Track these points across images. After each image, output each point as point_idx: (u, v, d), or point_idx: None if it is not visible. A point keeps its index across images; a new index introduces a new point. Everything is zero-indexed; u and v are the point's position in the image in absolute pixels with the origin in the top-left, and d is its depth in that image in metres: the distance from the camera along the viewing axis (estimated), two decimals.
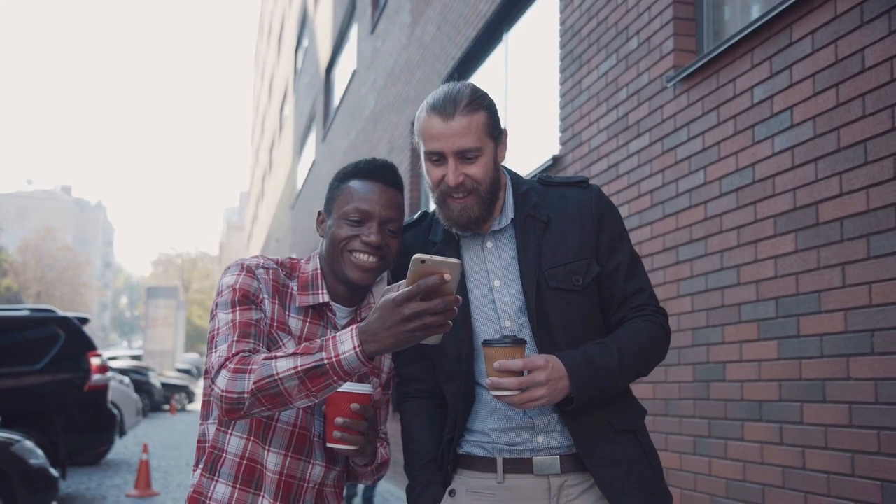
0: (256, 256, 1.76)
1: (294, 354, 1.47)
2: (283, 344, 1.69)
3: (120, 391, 11.74)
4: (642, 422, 1.82)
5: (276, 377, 1.46)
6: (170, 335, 35.17)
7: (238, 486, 1.68)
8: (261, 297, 1.68)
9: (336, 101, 16.01)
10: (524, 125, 6.50)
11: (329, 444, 1.63)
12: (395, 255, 1.75)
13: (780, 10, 3.23)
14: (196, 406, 24.97)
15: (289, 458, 1.71)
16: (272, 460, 1.70)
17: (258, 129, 45.14)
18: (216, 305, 1.67)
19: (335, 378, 1.44)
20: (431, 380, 1.84)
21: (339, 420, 1.60)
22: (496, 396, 1.59)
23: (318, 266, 1.77)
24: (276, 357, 1.48)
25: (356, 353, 1.41)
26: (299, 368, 1.45)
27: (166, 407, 21.84)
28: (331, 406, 1.62)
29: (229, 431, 1.71)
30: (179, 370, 32.43)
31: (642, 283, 1.80)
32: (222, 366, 1.53)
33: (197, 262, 78.60)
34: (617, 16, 4.61)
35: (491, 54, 7.31)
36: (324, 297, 1.73)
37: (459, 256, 1.78)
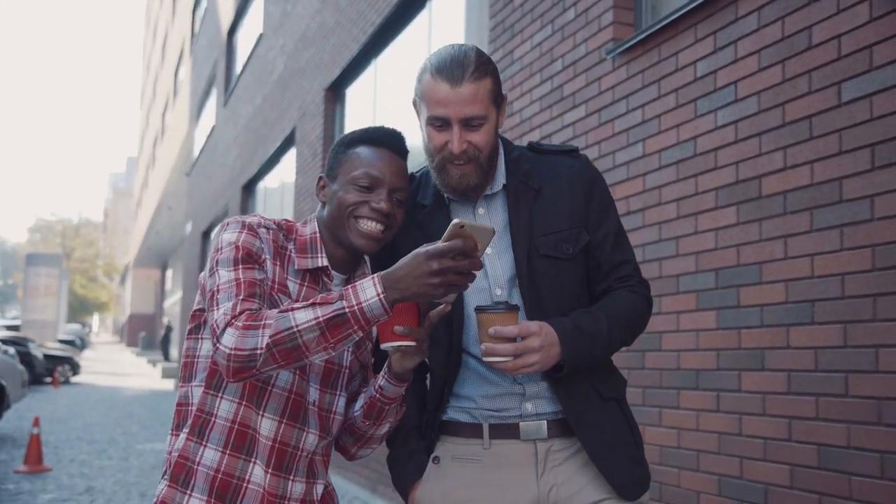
0: (255, 215, 1.69)
1: (313, 305, 1.43)
2: (282, 304, 1.62)
3: (4, 362, 11.13)
4: (624, 391, 1.84)
5: (295, 329, 1.41)
6: (52, 305, 33.57)
7: (229, 451, 1.60)
8: (263, 256, 1.62)
9: (239, 65, 15.52)
10: None
11: (386, 345, 1.56)
12: (400, 224, 1.71)
13: None
14: (81, 378, 24.04)
15: (283, 425, 1.63)
16: (266, 426, 1.62)
17: (149, 91, 43.45)
18: (216, 262, 1.59)
19: (356, 327, 1.42)
20: None
21: (399, 328, 1.56)
22: (489, 362, 1.58)
23: (317, 230, 1.72)
24: (293, 309, 1.44)
25: (380, 299, 1.41)
26: (321, 318, 1.41)
27: (48, 380, 20.95)
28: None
29: (219, 395, 1.62)
30: (62, 341, 31.09)
31: (628, 255, 1.82)
32: (228, 324, 1.46)
33: (79, 230, 75.41)
34: None
35: (414, 20, 7.20)
36: (323, 261, 1.69)
37: (449, 220, 1.74)
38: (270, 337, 1.41)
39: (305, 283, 1.69)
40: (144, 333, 46.94)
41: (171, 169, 27.14)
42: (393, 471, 1.81)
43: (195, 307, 1.70)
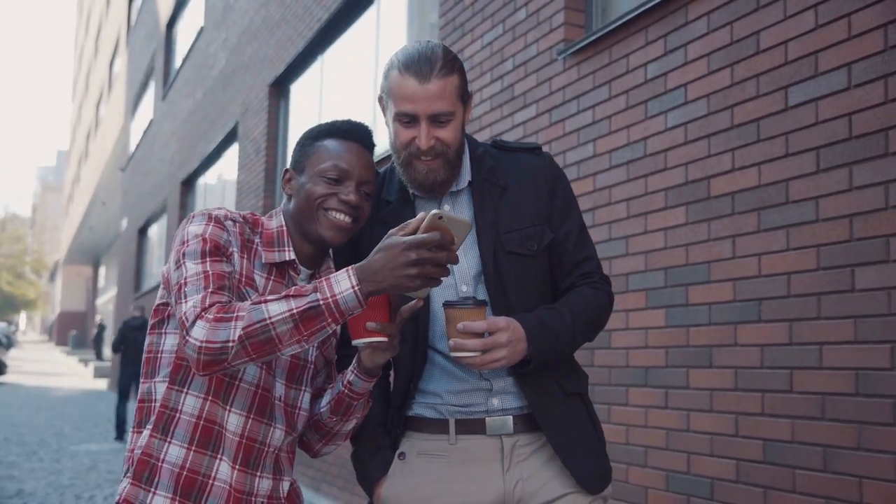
0: (220, 208, 1.67)
1: (286, 297, 1.41)
2: (250, 298, 1.59)
3: None
4: (587, 386, 1.86)
5: (268, 321, 1.40)
6: None
7: (194, 448, 1.56)
8: (230, 249, 1.60)
9: (179, 58, 15.23)
10: None
11: (358, 341, 1.55)
12: (366, 218, 1.70)
13: None
14: (8, 378, 23.30)
15: (251, 420, 1.61)
16: (233, 421, 1.59)
17: (82, 83, 42.32)
18: (183, 255, 1.55)
19: (330, 320, 1.41)
20: None
21: (371, 324, 1.55)
22: (457, 357, 1.58)
23: (284, 223, 1.70)
24: (265, 301, 1.42)
25: (354, 291, 1.40)
26: (294, 311, 1.40)
27: None
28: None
29: (184, 390, 1.59)
30: None
31: (590, 252, 1.84)
32: (198, 316, 1.44)
33: (6, 225, 73.06)
34: None
35: (361, 17, 7.16)
36: (290, 255, 1.67)
37: (414, 216, 1.73)
38: (243, 329, 1.40)
39: (272, 278, 1.67)
40: (75, 332, 45.70)
41: (106, 163, 26.47)
42: (358, 467, 1.79)
43: (158, 301, 1.67)
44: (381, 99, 1.77)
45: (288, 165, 1.75)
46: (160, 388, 1.60)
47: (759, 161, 2.93)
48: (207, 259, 1.54)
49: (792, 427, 2.74)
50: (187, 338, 1.43)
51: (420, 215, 1.44)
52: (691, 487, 3.11)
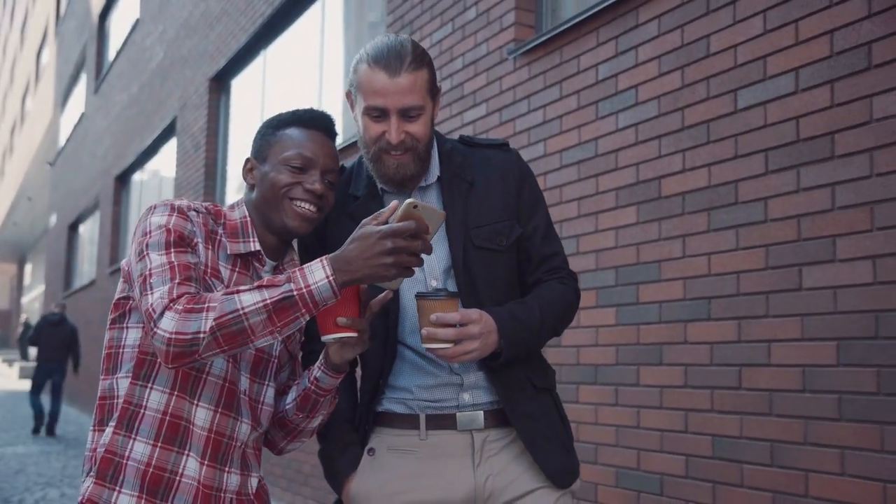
0: (182, 199, 1.64)
1: (259, 288, 1.40)
2: (216, 291, 1.55)
3: None
4: (555, 381, 1.88)
5: (241, 312, 1.38)
6: None
7: (160, 444, 1.52)
8: (195, 240, 1.57)
9: (112, 50, 14.84)
10: (343, 91, 6.37)
11: (327, 337, 1.53)
12: (330, 207, 1.69)
13: None
14: None
15: (219, 414, 1.57)
16: (201, 416, 1.55)
17: (6, 74, 40.92)
18: (146, 246, 1.51)
19: (304, 311, 1.40)
20: None
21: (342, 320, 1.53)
22: (429, 349, 1.58)
23: (247, 213, 1.67)
24: (238, 291, 1.40)
25: (329, 281, 1.39)
26: (268, 301, 1.38)
27: None
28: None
29: (149, 385, 1.54)
30: None
31: (557, 247, 1.86)
32: (166, 308, 1.40)
33: None
34: None
35: (306, 12, 7.08)
36: (255, 246, 1.64)
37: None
38: (215, 320, 1.37)
39: (237, 269, 1.64)
40: None
41: (33, 158, 25.66)
42: (326, 464, 1.78)
43: (118, 295, 1.62)
44: (349, 94, 1.75)
45: (249, 155, 1.73)
46: (122, 383, 1.56)
47: (710, 162, 2.99)
48: (172, 250, 1.50)
49: (741, 423, 2.80)
50: (155, 329, 1.40)
51: (393, 204, 1.44)
52: (641, 483, 3.16)
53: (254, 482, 1.66)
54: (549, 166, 3.77)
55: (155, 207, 1.58)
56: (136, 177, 12.65)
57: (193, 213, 1.59)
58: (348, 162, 1.90)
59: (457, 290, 1.72)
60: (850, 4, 2.57)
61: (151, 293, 1.43)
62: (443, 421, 1.71)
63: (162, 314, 1.40)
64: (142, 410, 1.54)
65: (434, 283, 1.73)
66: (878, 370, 2.42)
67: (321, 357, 1.66)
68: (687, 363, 3.01)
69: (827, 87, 2.62)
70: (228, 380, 1.59)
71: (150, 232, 1.53)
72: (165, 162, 10.84)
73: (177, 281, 1.45)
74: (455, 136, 4.46)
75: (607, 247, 3.41)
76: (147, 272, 1.47)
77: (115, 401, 1.56)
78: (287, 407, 1.72)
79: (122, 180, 13.26)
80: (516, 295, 1.80)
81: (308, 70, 6.90)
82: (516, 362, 1.71)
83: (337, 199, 1.79)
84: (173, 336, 1.38)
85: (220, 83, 8.87)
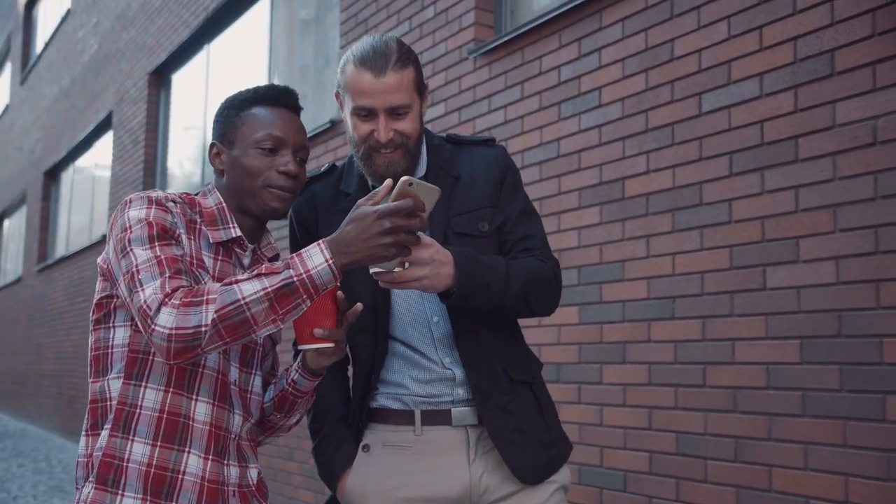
0: (155, 190, 1.58)
1: (258, 276, 1.37)
2: (205, 283, 1.52)
3: None
4: (539, 373, 1.86)
5: (242, 302, 1.35)
6: None
7: (160, 443, 1.48)
8: (178, 231, 1.52)
9: (40, 41, 14.36)
10: (295, 86, 6.29)
11: (304, 346, 1.53)
12: (302, 184, 1.66)
13: None
14: None
15: (216, 407, 1.54)
16: (201, 410, 1.51)
17: None
18: (128, 241, 1.47)
19: (304, 297, 1.38)
20: None
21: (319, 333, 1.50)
22: (374, 273, 1.53)
23: (221, 199, 1.63)
24: (237, 281, 1.38)
25: (329, 265, 1.38)
26: (269, 289, 1.36)
27: None
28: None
29: (142, 384, 1.50)
30: None
31: (534, 231, 1.84)
32: (162, 303, 1.37)
33: None
34: None
35: (253, 7, 6.97)
36: (236, 231, 1.61)
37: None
38: (216, 312, 1.34)
39: (220, 258, 1.60)
40: None
41: None
42: (320, 461, 1.77)
43: (99, 295, 1.56)
44: (337, 94, 1.77)
45: (212, 139, 1.68)
46: (115, 384, 1.50)
47: (674, 164, 3.04)
48: (156, 243, 1.46)
49: (705, 420, 2.85)
50: (153, 326, 1.36)
51: (387, 183, 1.43)
52: (604, 480, 3.20)
53: (253, 473, 1.63)
54: None
55: (131, 201, 1.52)
56: (68, 171, 12.26)
57: (172, 203, 1.55)
58: (340, 162, 1.89)
59: None
60: (814, 12, 2.65)
61: (142, 290, 1.39)
62: (438, 416, 1.71)
63: (158, 310, 1.36)
64: (137, 410, 1.49)
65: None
66: (841, 367, 2.49)
67: (298, 360, 1.66)
68: (651, 361, 3.06)
69: (791, 92, 2.69)
70: (221, 371, 1.56)
71: (129, 227, 1.48)
72: (100, 157, 10.53)
73: (167, 275, 1.41)
74: None
75: (570, 246, 3.44)
76: (134, 269, 1.42)
77: (109, 403, 1.51)
78: (266, 405, 1.71)
79: (52, 175, 12.84)
80: None
81: (256, 66, 6.79)
82: (475, 308, 1.66)
83: (328, 196, 1.81)
84: (174, 332, 1.34)
85: (160, 77, 8.66)
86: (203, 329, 1.34)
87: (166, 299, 1.37)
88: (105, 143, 10.21)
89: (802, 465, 2.56)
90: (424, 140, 1.82)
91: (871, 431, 2.41)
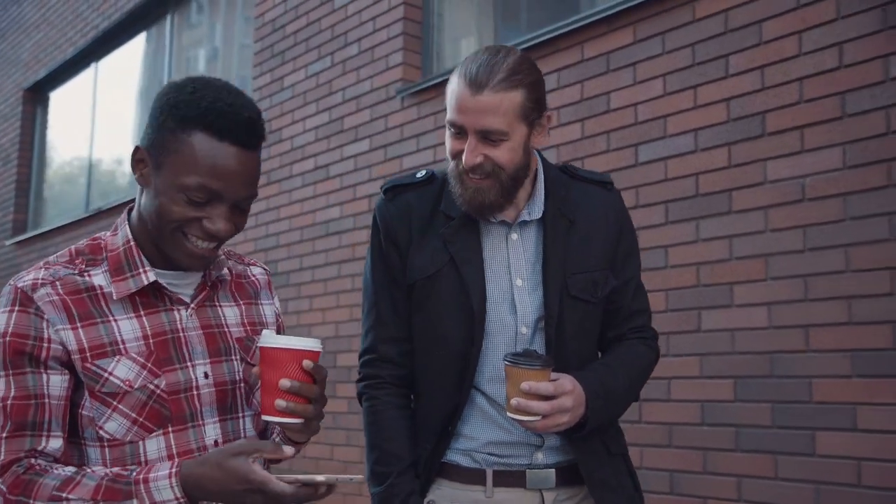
0: (39, 267, 1.29)
1: (94, 501, 1.17)
2: (110, 373, 1.26)
3: None
4: (626, 445, 1.76)
5: None
6: None
7: None
8: (44, 337, 1.24)
9: None
10: None
11: (267, 417, 1.27)
12: (233, 235, 1.34)
13: (522, 47, 3.56)
14: None
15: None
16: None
17: None
18: None
19: None
20: (408, 366, 1.65)
21: (284, 384, 1.24)
22: (515, 419, 1.46)
23: (130, 236, 1.33)
24: (67, 499, 1.17)
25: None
26: None
27: None
28: (270, 367, 1.26)
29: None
30: None
31: (644, 304, 1.76)
32: None
33: None
34: (332, 20, 4.63)
35: (152, 28, 6.77)
36: (148, 277, 1.30)
37: (478, 241, 1.62)
38: None
39: (141, 313, 1.31)
40: None
41: None
42: None
43: None
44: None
45: (139, 141, 1.34)
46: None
47: None
48: (10, 373, 1.22)
49: (641, 454, 2.99)
50: None
51: (288, 450, 1.23)
52: None
53: None
54: None
55: (1, 295, 1.28)
56: None
57: (43, 290, 1.25)
58: (437, 170, 1.69)
59: (545, 340, 1.60)
60: (746, 77, 2.88)
61: None
62: (511, 478, 1.58)
63: None
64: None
65: (524, 332, 1.59)
66: (773, 405, 2.69)
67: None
68: None
69: (725, 148, 2.91)
70: (197, 449, 1.34)
71: None
72: None
73: (5, 434, 1.20)
74: (333, 170, 4.45)
75: None
76: None
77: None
78: None
79: None
80: (595, 349, 1.70)
81: (150, 86, 6.59)
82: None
83: (425, 212, 1.63)
84: None
85: (36, 94, 8.23)
86: None
87: None
88: None
89: (736, 496, 2.74)
90: (543, 175, 1.66)
91: (801, 465, 2.61)
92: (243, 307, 1.44)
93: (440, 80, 3.91)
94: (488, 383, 1.58)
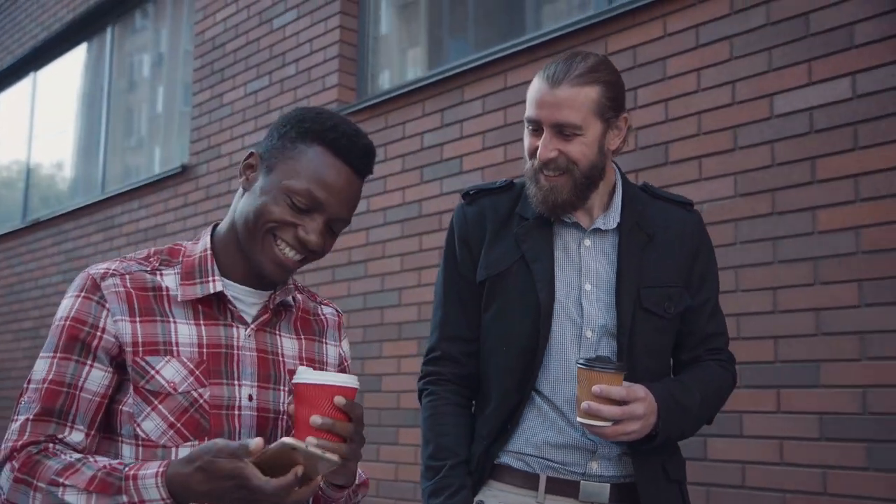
0: (116, 259, 1.34)
1: (87, 491, 1.18)
2: (157, 371, 1.27)
3: None
4: (685, 473, 1.70)
5: None
6: None
7: None
8: (100, 326, 1.27)
9: None
10: (133, 125, 6.21)
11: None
12: (320, 257, 1.38)
13: (450, 74, 3.76)
14: None
15: None
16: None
17: None
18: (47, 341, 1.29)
19: None
20: (471, 366, 1.65)
21: (316, 420, 1.18)
22: (584, 424, 1.46)
23: (209, 246, 1.35)
24: (64, 486, 1.19)
25: None
26: None
27: None
28: (303, 403, 1.21)
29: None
30: None
31: (722, 327, 1.73)
32: (7, 458, 1.23)
33: None
34: (271, 40, 4.77)
35: (93, 39, 6.81)
36: (215, 286, 1.31)
37: (550, 242, 1.63)
38: None
39: (200, 322, 1.31)
40: None
41: None
42: (431, 503, 1.59)
43: None
44: None
45: (255, 148, 1.36)
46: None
47: None
48: (57, 356, 1.26)
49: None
50: None
51: (257, 442, 1.13)
52: None
53: None
54: (372, 222, 4.02)
55: (76, 279, 1.31)
56: None
57: (111, 280, 1.28)
58: (518, 180, 1.73)
59: (614, 350, 1.57)
60: (652, 109, 3.11)
61: (12, 421, 1.25)
62: (564, 486, 1.55)
63: (3, 464, 1.23)
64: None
65: (589, 335, 1.58)
66: None
67: None
68: None
69: (633, 175, 3.13)
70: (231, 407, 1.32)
71: (55, 320, 1.29)
72: None
73: (31, 416, 1.24)
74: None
75: (430, 300, 3.70)
76: (27, 383, 1.27)
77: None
78: None
79: None
80: (667, 367, 1.68)
81: (93, 93, 6.63)
82: (660, 447, 1.57)
83: (502, 214, 1.65)
84: (5, 500, 1.23)
85: None
86: None
87: (14, 454, 1.23)
88: None
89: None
90: (621, 186, 1.66)
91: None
92: (304, 342, 1.42)
93: (375, 101, 4.09)
94: (549, 384, 1.57)
